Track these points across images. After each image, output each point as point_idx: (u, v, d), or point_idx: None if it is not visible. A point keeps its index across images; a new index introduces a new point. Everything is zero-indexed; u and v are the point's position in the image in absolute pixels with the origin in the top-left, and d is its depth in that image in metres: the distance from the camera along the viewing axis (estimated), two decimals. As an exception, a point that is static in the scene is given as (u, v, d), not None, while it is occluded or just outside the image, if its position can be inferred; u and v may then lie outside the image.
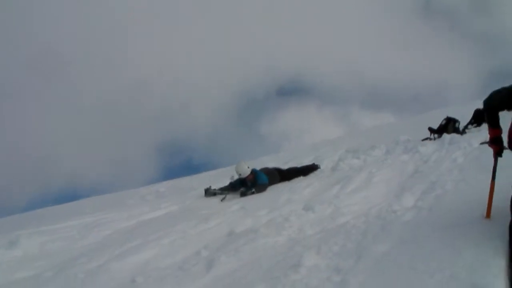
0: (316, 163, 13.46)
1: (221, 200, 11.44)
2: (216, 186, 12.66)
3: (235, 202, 10.35)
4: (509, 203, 4.79)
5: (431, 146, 11.51)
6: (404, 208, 6.69)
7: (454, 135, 12.94)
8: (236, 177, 13.01)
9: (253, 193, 11.79)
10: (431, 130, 14.51)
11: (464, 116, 15.19)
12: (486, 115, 5.22)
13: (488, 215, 5.23)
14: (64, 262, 7.49)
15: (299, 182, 11.26)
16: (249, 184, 12.35)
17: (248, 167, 12.58)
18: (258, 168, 12.84)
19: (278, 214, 8.04)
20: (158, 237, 7.82)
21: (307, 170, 13.00)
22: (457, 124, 14.65)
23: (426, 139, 13.98)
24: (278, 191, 10.54)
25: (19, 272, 7.33)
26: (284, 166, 13.54)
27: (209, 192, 12.40)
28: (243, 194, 11.79)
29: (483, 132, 12.23)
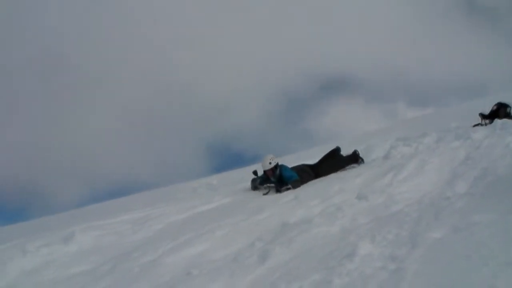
0: (358, 153, 12.47)
1: (263, 195, 11.30)
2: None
3: (287, 193, 10.34)
4: None
5: (482, 132, 11.34)
6: (457, 195, 6.63)
7: (506, 120, 12.72)
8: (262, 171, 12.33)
9: (288, 189, 11.21)
10: (482, 115, 14.31)
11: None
12: None
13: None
14: (118, 256, 7.60)
15: (350, 171, 11.19)
16: (272, 180, 11.79)
17: (270, 163, 11.87)
18: (292, 165, 12.31)
19: (331, 204, 8.02)
20: (211, 230, 7.87)
21: (345, 162, 12.22)
22: (508, 109, 14.37)
23: (477, 125, 13.79)
24: (329, 181, 10.48)
25: (74, 267, 7.47)
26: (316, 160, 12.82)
27: (254, 186, 12.20)
28: (277, 191, 11.33)
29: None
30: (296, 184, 11.36)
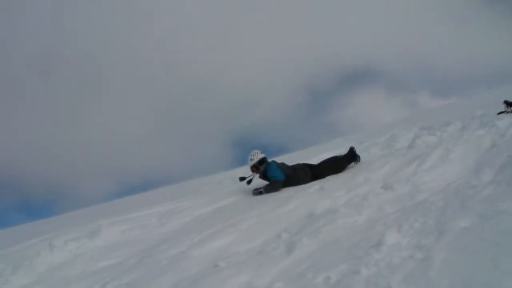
0: (355, 151, 11.67)
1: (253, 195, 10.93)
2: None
3: (313, 184, 10.34)
4: None
5: (507, 119, 11.27)
6: (483, 183, 6.60)
7: (531, 107, 12.67)
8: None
9: (260, 193, 10.67)
10: (507, 103, 14.25)
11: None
12: None
13: None
14: (145, 250, 7.71)
15: (375, 161, 11.15)
16: (258, 178, 11.38)
17: (252, 159, 11.35)
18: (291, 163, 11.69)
19: (356, 194, 8.03)
20: (237, 222, 7.93)
21: (341, 162, 11.39)
22: (532, 96, 14.33)
23: (502, 112, 13.74)
24: (354, 171, 10.47)
25: (101, 261, 7.61)
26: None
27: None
28: (254, 194, 10.86)
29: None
30: (273, 187, 10.72)
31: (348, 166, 11.46)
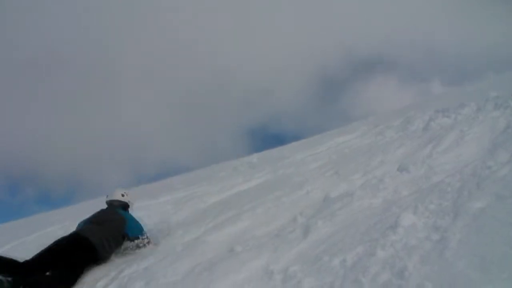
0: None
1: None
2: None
3: (328, 168, 10.34)
4: None
5: (522, 100, 11.22)
6: (499, 163, 6.58)
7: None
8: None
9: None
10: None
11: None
12: None
13: None
14: (161, 237, 7.72)
15: (390, 144, 11.12)
16: None
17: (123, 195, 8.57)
18: None
19: (372, 177, 8.05)
20: (253, 207, 7.95)
21: None
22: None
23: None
24: (370, 154, 10.46)
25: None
26: None
27: None
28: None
29: None
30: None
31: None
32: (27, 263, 6.25)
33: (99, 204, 8.38)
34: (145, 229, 7.82)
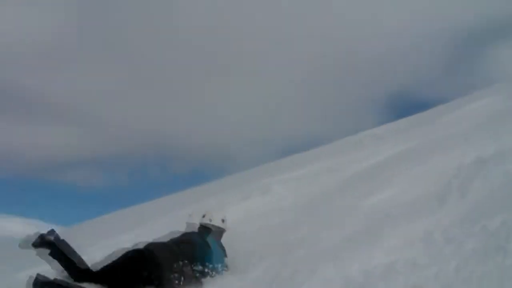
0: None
1: None
2: None
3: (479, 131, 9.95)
4: None
5: None
6: None
7: None
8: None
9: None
10: None
11: None
12: None
13: None
14: (315, 205, 7.86)
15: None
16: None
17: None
18: None
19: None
20: (403, 172, 7.95)
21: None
22: None
23: None
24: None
25: (274, 217, 7.80)
26: None
27: None
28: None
29: None
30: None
31: None
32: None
33: (251, 175, 8.56)
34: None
